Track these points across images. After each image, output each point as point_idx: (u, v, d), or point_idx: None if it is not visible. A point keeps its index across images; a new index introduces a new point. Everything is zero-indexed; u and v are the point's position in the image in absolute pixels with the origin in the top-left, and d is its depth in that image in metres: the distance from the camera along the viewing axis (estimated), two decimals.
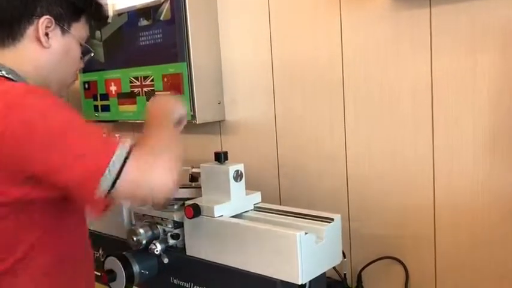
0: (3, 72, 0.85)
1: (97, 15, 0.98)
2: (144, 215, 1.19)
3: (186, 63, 1.39)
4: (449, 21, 1.04)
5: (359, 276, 1.23)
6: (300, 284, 0.91)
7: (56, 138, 0.76)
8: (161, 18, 1.44)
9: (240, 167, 1.09)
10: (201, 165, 1.12)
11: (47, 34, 0.88)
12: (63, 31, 0.91)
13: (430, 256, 1.13)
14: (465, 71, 1.03)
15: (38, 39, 0.88)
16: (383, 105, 1.16)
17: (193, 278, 1.09)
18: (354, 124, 1.21)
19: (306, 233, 0.91)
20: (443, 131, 1.08)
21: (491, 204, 1.04)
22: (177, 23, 1.40)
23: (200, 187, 1.15)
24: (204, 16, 1.42)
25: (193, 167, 1.16)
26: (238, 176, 1.08)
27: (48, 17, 0.87)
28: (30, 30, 0.87)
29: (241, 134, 1.45)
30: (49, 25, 0.88)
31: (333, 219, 1.00)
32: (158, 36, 1.46)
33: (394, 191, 1.17)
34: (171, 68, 1.44)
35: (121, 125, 1.79)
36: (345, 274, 1.23)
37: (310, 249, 0.92)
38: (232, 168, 1.07)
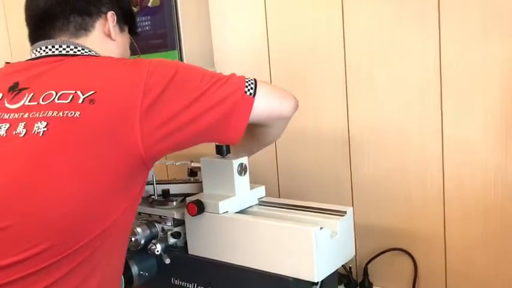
0: (92, 53, 0.90)
1: (133, 30, 1.06)
2: (140, 213, 1.12)
3: (177, 51, 1.32)
4: (459, 0, 1.00)
5: (365, 270, 1.20)
6: (315, 281, 0.87)
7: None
8: (149, 4, 1.36)
9: (244, 160, 1.03)
10: (202, 158, 1.06)
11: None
12: (121, 29, 0.98)
13: (440, 248, 1.10)
14: (476, 54, 1.00)
15: (106, 32, 0.93)
16: (388, 92, 1.11)
17: (196, 278, 1.03)
18: (358, 112, 1.17)
19: (321, 228, 0.87)
20: (452, 119, 1.05)
21: (504, 196, 1.01)
22: (166, 9, 1.32)
23: (199, 182, 1.09)
24: (194, 1, 1.35)
25: (192, 161, 1.10)
26: (242, 170, 1.02)
27: (113, 12, 0.94)
28: (99, 23, 0.93)
29: None
30: (113, 20, 0.94)
31: (345, 212, 0.96)
32: (146, 23, 1.38)
33: (401, 182, 1.13)
34: (161, 57, 1.36)
35: None
36: (350, 267, 1.19)
37: (325, 244, 0.88)
38: (236, 162, 1.01)
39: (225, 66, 1.38)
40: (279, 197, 1.32)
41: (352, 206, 1.20)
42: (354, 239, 0.98)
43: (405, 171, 1.12)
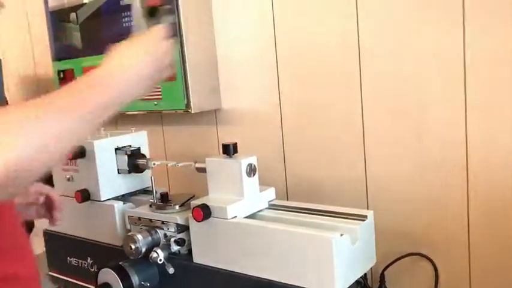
0: None
1: None
2: (140, 218, 1.04)
3: (178, 45, 1.24)
4: None
5: (382, 276, 1.12)
6: None
7: None
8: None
9: (253, 160, 0.95)
10: (207, 159, 0.98)
11: None
12: None
13: (463, 254, 1.03)
14: (503, 43, 0.92)
15: None
16: (407, 85, 1.03)
17: None
18: (373, 107, 1.09)
19: (341, 235, 0.79)
20: (478, 114, 0.97)
21: None
22: (165, 0, 1.24)
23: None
24: None
25: (196, 162, 1.01)
26: (251, 171, 0.94)
27: None
28: None
29: (240, 124, 1.31)
30: None
31: (366, 217, 0.88)
32: None
33: (421, 182, 1.05)
34: None
35: None
36: (365, 274, 1.11)
37: (346, 252, 0.80)
38: (245, 162, 0.93)
39: (228, 58, 1.30)
40: (287, 200, 1.24)
41: (368, 207, 1.13)
42: (374, 245, 0.90)
43: (425, 171, 1.04)
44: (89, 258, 1.17)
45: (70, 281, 1.22)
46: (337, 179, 1.16)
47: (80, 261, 1.19)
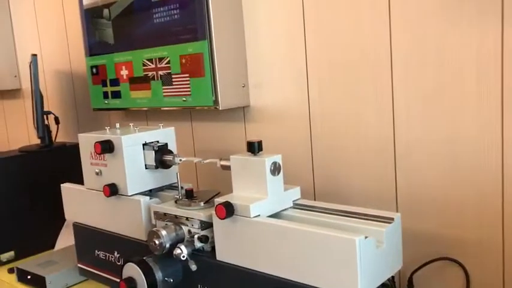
0: None
1: None
2: (165, 214, 1.05)
3: (207, 41, 1.24)
4: None
5: (410, 280, 1.09)
6: None
7: None
8: None
9: (278, 158, 0.94)
10: (232, 156, 0.97)
11: None
12: None
13: (497, 259, 0.98)
14: None
15: None
16: (440, 83, 1.00)
17: (224, 286, 0.95)
18: (404, 106, 1.05)
19: (366, 237, 0.76)
20: None
21: None
22: None
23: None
24: None
25: (221, 159, 1.01)
26: (276, 169, 0.93)
27: None
28: None
29: (268, 122, 1.30)
30: None
31: (392, 219, 0.85)
32: (175, 12, 1.30)
33: (453, 184, 1.01)
34: (190, 48, 1.28)
35: (133, 113, 1.65)
36: (393, 277, 1.08)
37: (370, 255, 0.77)
38: (269, 160, 0.92)
39: (257, 54, 1.29)
40: (315, 200, 1.22)
41: (397, 209, 1.10)
42: (401, 249, 0.88)
43: (457, 175, 1.00)
44: (116, 252, 1.18)
45: (97, 274, 1.24)
46: (367, 180, 1.14)
47: (108, 254, 1.20)
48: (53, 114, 1.71)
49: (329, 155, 1.20)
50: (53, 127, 1.72)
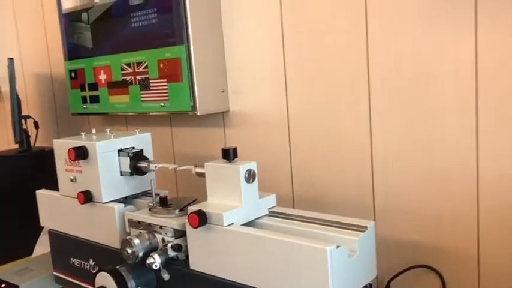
0: None
1: None
2: (139, 222, 1.03)
3: (185, 46, 1.22)
4: None
5: (387, 287, 1.08)
6: None
7: None
8: None
9: (253, 165, 0.92)
10: (206, 163, 0.96)
11: None
12: None
13: (472, 266, 0.98)
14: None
15: None
16: (416, 90, 0.99)
17: None
18: (382, 113, 1.05)
19: (337, 247, 0.75)
20: (490, 123, 0.92)
21: None
22: (174, 1, 1.23)
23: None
24: None
25: (196, 166, 0.99)
26: (250, 177, 0.92)
27: None
28: None
29: (248, 127, 1.29)
30: None
31: (366, 228, 0.84)
32: (153, 16, 1.29)
33: (430, 192, 1.01)
34: (167, 53, 1.27)
35: (113, 118, 1.63)
36: (370, 285, 1.07)
37: (342, 265, 0.76)
38: (243, 168, 0.91)
39: (236, 60, 1.28)
40: (293, 207, 1.21)
41: (374, 217, 1.09)
42: (375, 258, 0.87)
43: (434, 180, 1.00)
44: (91, 260, 1.16)
45: (73, 282, 1.22)
46: (345, 187, 1.13)
47: (83, 262, 1.18)
48: (32, 118, 1.68)
49: (308, 162, 1.19)
50: (33, 131, 1.70)
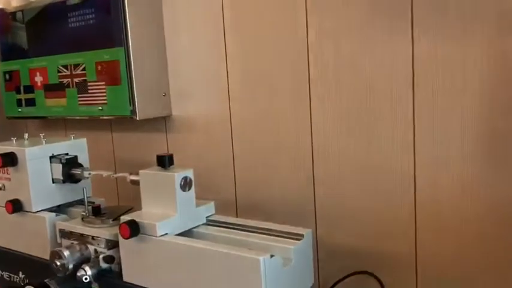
0: None
1: None
2: (71, 232, 0.98)
3: (123, 48, 1.18)
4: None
5: None
6: None
7: None
8: None
9: (189, 173, 0.89)
10: (140, 171, 0.92)
11: None
12: None
13: (410, 271, 0.99)
14: (453, 62, 0.88)
15: None
16: (355, 100, 0.99)
17: None
18: (322, 122, 1.04)
19: (271, 256, 0.74)
20: (426, 133, 0.93)
21: (482, 217, 0.89)
22: (112, 1, 1.18)
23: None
24: None
25: (131, 174, 0.95)
26: (186, 184, 0.89)
27: None
28: None
29: (191, 133, 1.26)
30: None
31: (302, 236, 0.83)
32: (90, 16, 1.24)
33: (369, 199, 1.01)
34: (106, 55, 1.22)
35: (51, 122, 1.55)
36: None
37: (276, 274, 0.75)
38: (178, 175, 0.87)
39: (178, 62, 1.24)
40: (237, 214, 1.19)
41: (316, 224, 1.08)
42: (312, 266, 0.86)
43: (373, 188, 1.00)
44: (20, 273, 1.10)
45: None
46: (287, 194, 1.11)
47: (12, 275, 1.12)
48: None
49: (250, 168, 1.17)
50: None
